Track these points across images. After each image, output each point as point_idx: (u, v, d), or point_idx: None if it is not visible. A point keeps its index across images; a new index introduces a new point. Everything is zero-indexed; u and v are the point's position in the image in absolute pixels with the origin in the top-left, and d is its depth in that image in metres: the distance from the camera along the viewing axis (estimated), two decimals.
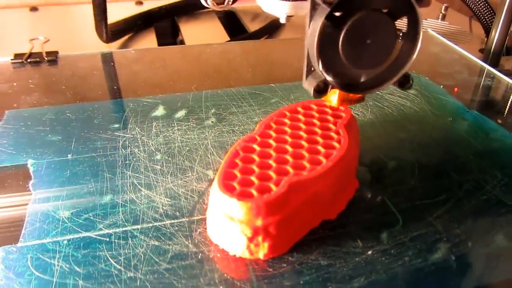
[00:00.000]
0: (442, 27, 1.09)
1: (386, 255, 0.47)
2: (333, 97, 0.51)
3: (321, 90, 0.48)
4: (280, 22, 0.54)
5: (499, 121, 0.69)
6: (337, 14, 0.45)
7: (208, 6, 0.63)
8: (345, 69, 0.48)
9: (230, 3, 0.62)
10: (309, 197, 0.48)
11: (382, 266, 0.46)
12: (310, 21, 0.45)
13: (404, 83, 0.51)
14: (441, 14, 1.16)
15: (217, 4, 0.62)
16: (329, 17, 0.44)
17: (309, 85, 0.48)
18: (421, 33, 0.48)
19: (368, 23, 0.45)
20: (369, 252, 0.48)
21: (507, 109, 0.75)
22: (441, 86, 0.79)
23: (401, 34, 0.49)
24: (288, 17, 0.54)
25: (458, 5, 1.18)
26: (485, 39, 0.97)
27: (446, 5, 1.15)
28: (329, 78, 0.47)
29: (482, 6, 0.97)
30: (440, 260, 0.47)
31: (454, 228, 0.51)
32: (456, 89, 0.79)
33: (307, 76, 0.48)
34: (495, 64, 0.88)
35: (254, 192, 0.45)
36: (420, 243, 0.49)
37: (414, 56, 0.49)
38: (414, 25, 0.48)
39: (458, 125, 0.70)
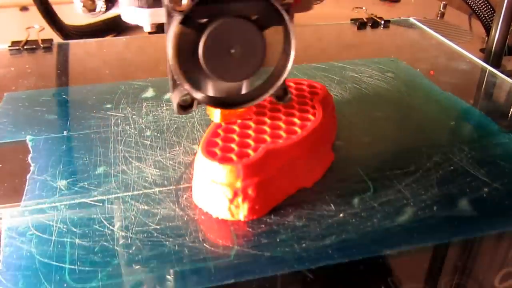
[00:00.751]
0: (441, 26, 1.07)
1: (356, 218, 0.51)
2: (216, 112, 0.52)
3: (187, 105, 0.47)
4: (145, 31, 0.50)
5: (471, 101, 0.72)
6: (202, 21, 0.44)
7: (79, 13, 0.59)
8: (214, 83, 0.48)
9: (103, 10, 0.58)
10: (285, 163, 0.52)
11: (353, 227, 0.50)
12: (168, 29, 0.44)
13: (282, 96, 0.51)
14: (439, 13, 1.14)
15: (89, 11, 0.58)
16: (190, 23, 0.44)
17: (174, 100, 0.47)
18: (294, 45, 0.47)
19: (232, 31, 0.44)
20: (341, 215, 0.51)
21: (480, 91, 0.79)
22: (418, 70, 0.82)
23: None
24: (153, 25, 0.52)
25: (457, 3, 1.15)
26: (486, 38, 0.94)
27: (444, 2, 1.13)
28: (195, 93, 0.47)
29: (482, 4, 0.94)
30: (406, 222, 0.51)
31: (421, 194, 0.54)
32: (432, 73, 0.82)
33: (173, 89, 0.47)
34: (496, 64, 0.85)
35: (234, 157, 0.49)
36: (388, 207, 0.52)
37: (289, 68, 0.48)
38: (286, 35, 0.48)
39: (431, 105, 0.74)
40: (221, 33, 0.43)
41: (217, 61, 0.44)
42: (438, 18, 1.12)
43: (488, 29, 0.93)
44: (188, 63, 0.46)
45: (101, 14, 0.57)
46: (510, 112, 0.73)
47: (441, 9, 1.14)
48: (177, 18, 0.42)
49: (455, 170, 0.59)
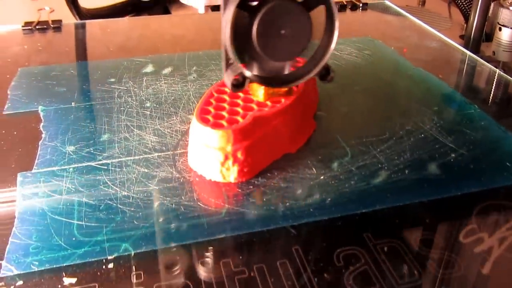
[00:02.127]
0: (422, 13, 1.06)
1: (335, 180, 0.52)
2: (260, 91, 0.52)
3: (239, 84, 0.47)
4: (199, 12, 0.50)
5: (440, 76, 0.73)
6: (253, 4, 0.44)
7: None
8: (263, 62, 0.48)
9: None
10: (271, 129, 0.52)
11: (332, 188, 0.50)
12: (224, 12, 0.43)
13: (325, 75, 0.50)
14: (420, 1, 1.14)
15: None
16: (244, 7, 0.44)
17: (227, 79, 0.47)
18: (337, 24, 0.47)
19: (282, 13, 0.43)
20: (322, 177, 0.52)
21: (448, 66, 0.80)
22: (392, 48, 0.83)
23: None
24: (207, 7, 0.50)
25: None
26: (465, 25, 0.94)
27: None
28: (247, 72, 0.46)
29: None
30: (380, 184, 0.51)
31: (394, 159, 0.55)
32: (405, 50, 0.82)
33: (226, 68, 0.47)
34: (475, 50, 0.84)
35: (225, 123, 0.49)
36: (364, 170, 0.53)
37: (332, 48, 0.48)
38: (330, 16, 0.48)
39: (404, 79, 0.75)
40: (272, 15, 0.43)
41: (268, 42, 0.44)
42: (420, 5, 1.12)
43: (466, 17, 0.92)
44: (240, 44, 0.46)
45: None
46: (475, 85, 0.73)
47: None
48: (235, 1, 0.42)
49: (425, 138, 0.59)
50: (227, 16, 0.43)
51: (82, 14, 0.92)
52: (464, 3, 0.93)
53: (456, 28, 1.01)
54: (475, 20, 0.83)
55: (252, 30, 0.43)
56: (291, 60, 0.49)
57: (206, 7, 0.50)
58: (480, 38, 0.84)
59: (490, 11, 0.83)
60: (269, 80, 0.48)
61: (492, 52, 0.85)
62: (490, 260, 0.42)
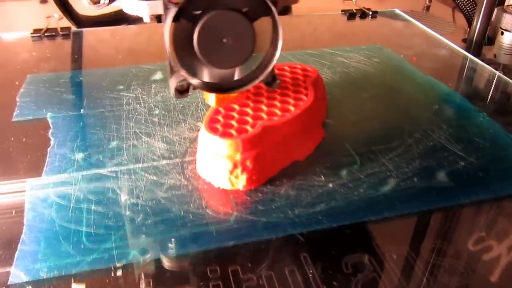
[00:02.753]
0: (427, 18, 1.06)
1: (344, 187, 0.52)
2: (211, 96, 0.52)
3: (183, 90, 0.48)
4: (145, 21, 0.51)
5: (449, 84, 0.73)
6: (197, 12, 0.45)
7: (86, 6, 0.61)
8: (209, 69, 0.48)
9: (106, 3, 0.60)
10: (280, 138, 0.52)
11: (340, 196, 0.50)
12: (164, 20, 0.44)
13: (271, 82, 0.51)
14: (425, 6, 1.14)
15: (93, 3, 0.60)
16: (184, 16, 0.44)
17: (171, 85, 0.47)
18: (281, 34, 0.48)
19: (224, 22, 0.44)
20: (330, 185, 0.52)
21: (458, 75, 0.80)
22: (401, 56, 0.83)
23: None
24: (153, 16, 0.51)
25: None
26: (468, 29, 0.94)
27: None
28: (191, 79, 0.47)
29: None
30: (389, 191, 0.52)
31: (403, 167, 0.55)
32: (414, 58, 0.82)
33: (171, 75, 0.47)
34: (477, 53, 0.85)
35: (234, 132, 0.50)
36: (373, 178, 0.53)
37: (277, 56, 0.48)
38: (274, 26, 0.48)
39: (413, 87, 0.75)
40: (214, 24, 0.44)
41: (210, 50, 0.44)
42: (424, 11, 1.12)
43: (470, 21, 0.93)
44: (184, 51, 0.46)
45: (105, 6, 0.59)
46: (484, 94, 0.73)
47: (426, 2, 1.13)
48: (173, 10, 0.43)
49: (434, 146, 0.59)
50: (167, 24, 0.44)
51: (80, 21, 0.92)
52: (468, 8, 0.94)
53: (459, 32, 1.02)
54: (478, 24, 0.84)
55: (193, 38, 0.44)
56: (233, 67, 0.49)
57: (151, 15, 0.50)
58: (482, 42, 0.85)
59: (493, 16, 0.83)
60: (215, 86, 0.49)
61: (493, 55, 0.86)
62: (499, 268, 0.42)
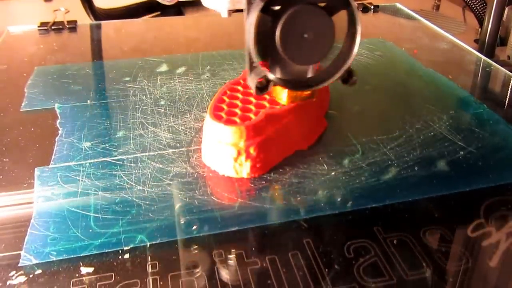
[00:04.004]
0: (437, 18, 1.05)
1: (346, 176, 0.52)
2: (283, 94, 0.52)
3: (263, 86, 0.47)
4: (222, 16, 0.51)
5: (450, 76, 0.73)
6: (276, 8, 0.43)
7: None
8: (286, 66, 0.48)
9: None
10: (283, 126, 0.53)
11: (342, 183, 0.51)
12: (247, 16, 0.44)
13: (347, 78, 0.50)
14: (435, 5, 1.12)
15: None
16: (266, 11, 0.44)
17: (251, 82, 0.47)
18: (359, 29, 0.47)
19: (305, 17, 0.43)
20: (333, 173, 0.53)
21: (458, 67, 0.80)
22: (403, 49, 0.84)
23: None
24: (230, 11, 0.51)
25: None
26: (479, 29, 0.93)
27: None
28: (270, 75, 0.46)
29: None
30: (390, 179, 0.52)
31: (404, 156, 0.56)
32: (415, 51, 0.83)
33: (250, 72, 0.47)
34: (490, 54, 0.82)
35: (238, 120, 0.50)
36: (375, 167, 0.54)
37: (355, 52, 0.47)
38: (352, 20, 0.47)
39: (414, 80, 0.75)
40: (295, 19, 0.43)
41: (292, 45, 0.44)
42: (434, 10, 1.11)
43: (481, 21, 0.91)
44: (264, 47, 0.46)
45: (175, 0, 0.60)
46: (485, 85, 0.74)
47: (436, 1, 1.12)
48: (258, 6, 0.42)
49: (434, 136, 0.60)
50: (250, 20, 0.43)
51: (97, 14, 0.93)
52: (479, 8, 0.92)
53: (470, 33, 1.00)
54: (489, 24, 0.82)
55: (275, 34, 0.43)
56: (314, 63, 0.49)
57: (229, 11, 0.50)
58: (495, 43, 0.82)
59: (505, 16, 0.82)
60: (292, 83, 0.48)
61: (506, 56, 0.85)
62: (497, 253, 0.43)
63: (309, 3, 0.43)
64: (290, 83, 0.49)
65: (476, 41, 0.94)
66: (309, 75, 0.50)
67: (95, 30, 0.91)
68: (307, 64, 0.48)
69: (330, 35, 0.45)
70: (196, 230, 0.45)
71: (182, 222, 0.46)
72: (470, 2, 0.95)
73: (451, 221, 0.47)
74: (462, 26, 1.05)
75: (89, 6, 0.91)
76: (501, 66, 0.79)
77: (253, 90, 0.47)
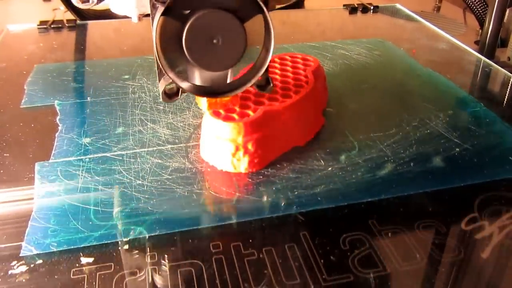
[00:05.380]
0: (437, 19, 1.06)
1: (343, 171, 0.54)
2: (203, 100, 0.50)
3: (172, 93, 0.47)
4: (133, 21, 0.50)
5: (448, 76, 0.75)
6: (186, 12, 0.43)
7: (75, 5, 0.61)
8: (201, 72, 0.46)
9: (95, 2, 0.60)
10: (281, 123, 0.54)
11: (339, 179, 0.52)
12: (152, 21, 0.43)
13: (265, 85, 0.50)
14: (435, 6, 1.14)
15: (82, 2, 0.60)
16: (172, 14, 0.43)
17: (160, 88, 0.47)
18: (273, 34, 0.46)
19: (213, 22, 0.43)
20: (329, 169, 0.54)
21: (456, 67, 0.81)
22: (401, 49, 0.85)
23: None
24: (141, 16, 0.51)
25: None
26: (480, 31, 0.93)
27: None
28: (179, 82, 0.46)
29: None
30: (386, 175, 0.53)
31: (400, 153, 0.57)
32: (414, 51, 0.84)
33: (159, 78, 0.46)
34: (490, 55, 0.83)
35: (236, 116, 0.52)
36: (371, 163, 0.55)
37: (269, 58, 0.47)
38: (266, 26, 0.46)
39: (412, 79, 0.77)
40: (203, 24, 0.42)
41: (200, 51, 0.43)
42: (434, 11, 1.12)
43: (481, 23, 0.92)
44: (174, 53, 0.44)
45: (93, 5, 0.60)
46: (482, 85, 0.76)
47: (437, 3, 1.13)
48: (160, 9, 0.42)
49: (431, 133, 0.61)
50: (154, 24, 0.42)
51: (83, 13, 0.94)
52: (479, 9, 0.92)
53: (471, 34, 1.01)
54: (490, 25, 0.83)
55: (182, 39, 0.43)
56: (224, 70, 0.47)
57: (140, 15, 0.51)
58: (495, 44, 0.84)
59: (505, 17, 0.83)
60: (205, 90, 0.48)
61: (507, 57, 0.85)
62: (490, 246, 0.44)
63: (219, 7, 0.42)
64: (200, 90, 0.48)
65: (476, 42, 0.95)
66: (228, 80, 0.48)
67: (95, 29, 0.92)
68: (216, 70, 0.46)
69: (241, 41, 0.44)
70: (192, 223, 0.45)
71: (180, 215, 0.47)
72: (470, 3, 0.94)
73: (445, 215, 0.48)
74: (462, 28, 1.06)
75: (71, 6, 0.92)
76: (502, 67, 0.80)
77: (161, 97, 0.47)
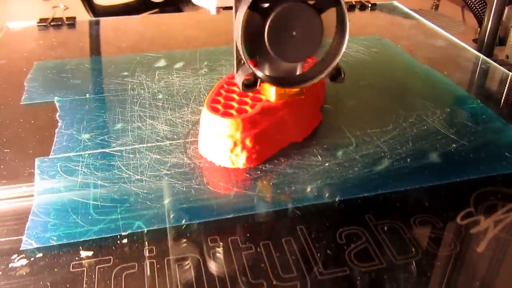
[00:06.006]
0: (436, 17, 1.06)
1: (340, 167, 0.54)
2: (271, 91, 0.52)
3: (251, 84, 0.48)
4: (211, 13, 0.52)
5: (445, 72, 0.75)
6: (265, 5, 0.44)
7: None
8: (274, 63, 0.48)
9: None
10: (278, 119, 0.55)
11: (336, 174, 0.53)
12: (236, 13, 0.44)
13: (336, 76, 0.51)
14: (434, 4, 1.14)
15: None
16: (255, 8, 0.44)
17: (238, 79, 0.47)
18: (348, 26, 0.47)
19: (294, 15, 0.44)
20: (327, 164, 0.54)
21: (453, 64, 0.82)
22: (399, 46, 0.85)
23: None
24: (219, 9, 0.52)
25: None
26: (478, 29, 0.94)
27: None
28: (258, 72, 0.47)
29: None
30: (383, 170, 0.54)
31: (397, 149, 0.57)
32: (411, 48, 0.85)
33: (237, 69, 0.47)
34: (489, 53, 0.83)
35: (234, 112, 0.52)
36: (368, 158, 0.56)
37: (343, 49, 0.48)
38: (341, 18, 0.47)
39: (410, 76, 0.77)
40: (284, 17, 0.43)
41: (280, 43, 0.45)
42: (433, 9, 1.12)
43: (480, 21, 0.92)
44: (252, 45, 0.46)
45: None
46: (479, 81, 0.76)
47: (435, 1, 1.13)
48: (247, 3, 0.43)
49: (428, 130, 0.62)
50: (238, 17, 0.43)
51: (96, 11, 0.95)
52: (478, 7, 0.92)
53: (469, 32, 1.02)
54: (489, 23, 0.82)
55: (264, 31, 0.44)
56: (302, 61, 0.49)
57: (218, 8, 0.52)
58: (494, 42, 0.83)
59: (504, 15, 0.83)
60: (280, 80, 0.49)
61: (505, 55, 0.85)
62: (485, 240, 0.45)
63: (298, 0, 0.43)
64: (277, 80, 0.50)
65: (475, 40, 0.95)
66: (298, 72, 0.51)
67: (94, 27, 0.93)
68: (295, 61, 0.49)
69: (318, 33, 0.46)
70: (190, 218, 0.46)
71: (179, 209, 0.48)
72: (469, 1, 0.96)
73: (441, 209, 0.49)
74: (461, 26, 1.06)
75: (88, 2, 0.93)
76: (500, 65, 0.80)
77: (240, 87, 0.49)
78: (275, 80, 0.49)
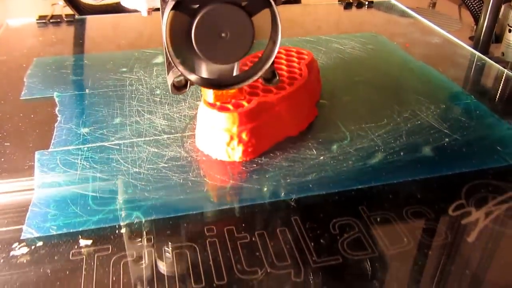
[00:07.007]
0: (433, 15, 1.08)
1: (334, 160, 0.55)
2: (209, 92, 0.51)
3: (181, 86, 0.48)
4: (142, 15, 0.51)
5: (440, 69, 0.77)
6: (195, 6, 0.43)
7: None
8: (207, 65, 0.47)
9: None
10: (274, 113, 0.56)
11: (330, 167, 0.54)
12: (162, 15, 0.43)
13: (271, 78, 0.51)
14: (431, 2, 1.15)
15: None
16: (181, 9, 0.43)
17: (169, 81, 0.47)
18: (280, 28, 0.47)
19: (222, 17, 0.43)
20: (321, 158, 0.55)
21: (448, 60, 0.83)
22: (395, 43, 0.87)
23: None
24: (150, 10, 0.52)
25: None
26: (475, 27, 0.94)
27: None
28: (188, 74, 0.47)
29: None
30: (376, 164, 0.55)
31: (390, 143, 0.58)
32: (407, 45, 0.86)
33: (168, 71, 0.47)
34: (485, 51, 0.84)
35: (231, 107, 0.53)
36: (362, 152, 0.57)
37: (275, 51, 0.48)
38: (274, 20, 0.47)
39: (405, 72, 0.78)
40: (212, 18, 0.43)
41: (208, 44, 0.44)
42: (430, 7, 1.14)
43: (476, 19, 0.93)
44: (182, 46, 0.45)
45: (101, 1, 0.59)
46: (473, 78, 0.77)
47: None
48: (170, 4, 0.42)
49: (421, 124, 0.63)
50: (164, 18, 0.43)
51: (81, 9, 0.95)
52: (475, 5, 0.93)
53: (466, 30, 1.03)
54: (485, 21, 0.83)
55: (191, 32, 0.43)
56: (232, 63, 0.48)
57: (149, 9, 0.53)
58: (490, 39, 0.84)
59: (501, 13, 0.83)
60: (211, 82, 0.49)
61: (501, 53, 0.86)
62: (475, 230, 0.46)
63: (226, 2, 0.43)
64: (208, 82, 0.49)
65: (471, 38, 0.96)
66: (235, 73, 0.49)
67: (93, 24, 0.94)
68: (225, 63, 0.47)
69: (249, 35, 0.45)
70: (187, 209, 0.47)
71: (176, 200, 0.49)
72: (467, 0, 0.96)
73: (433, 201, 0.50)
74: (457, 24, 1.07)
75: (70, 1, 0.94)
76: (495, 62, 0.81)
77: (169, 89, 0.48)
78: (205, 82, 0.48)
